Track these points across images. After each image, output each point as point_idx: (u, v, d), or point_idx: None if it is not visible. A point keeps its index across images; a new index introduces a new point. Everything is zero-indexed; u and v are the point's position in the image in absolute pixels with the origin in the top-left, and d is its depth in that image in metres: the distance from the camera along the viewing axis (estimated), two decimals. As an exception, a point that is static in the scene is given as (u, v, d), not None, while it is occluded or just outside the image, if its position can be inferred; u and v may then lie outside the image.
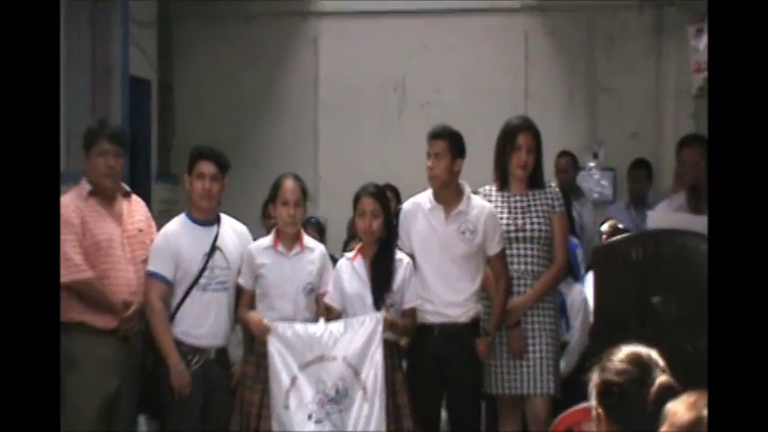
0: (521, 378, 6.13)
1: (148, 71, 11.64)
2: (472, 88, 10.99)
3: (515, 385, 6.15)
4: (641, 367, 2.87)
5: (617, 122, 11.37)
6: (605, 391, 2.87)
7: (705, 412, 2.30)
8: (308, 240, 6.06)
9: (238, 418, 5.84)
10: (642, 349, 2.93)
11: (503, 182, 6.28)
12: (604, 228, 6.84)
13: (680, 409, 2.36)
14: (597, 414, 2.89)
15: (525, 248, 6.18)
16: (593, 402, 2.91)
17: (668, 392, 2.68)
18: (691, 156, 6.47)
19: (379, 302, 5.79)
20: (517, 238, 6.18)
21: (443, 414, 6.22)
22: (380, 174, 6.19)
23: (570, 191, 8.42)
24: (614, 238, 6.17)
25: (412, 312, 5.92)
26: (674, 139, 11.32)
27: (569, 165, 9.72)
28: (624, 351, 2.92)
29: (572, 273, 6.82)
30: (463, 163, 6.07)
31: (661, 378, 2.80)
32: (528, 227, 6.18)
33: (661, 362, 2.89)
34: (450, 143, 5.98)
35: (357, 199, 5.93)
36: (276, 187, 5.99)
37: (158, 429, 6.51)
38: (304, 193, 6.03)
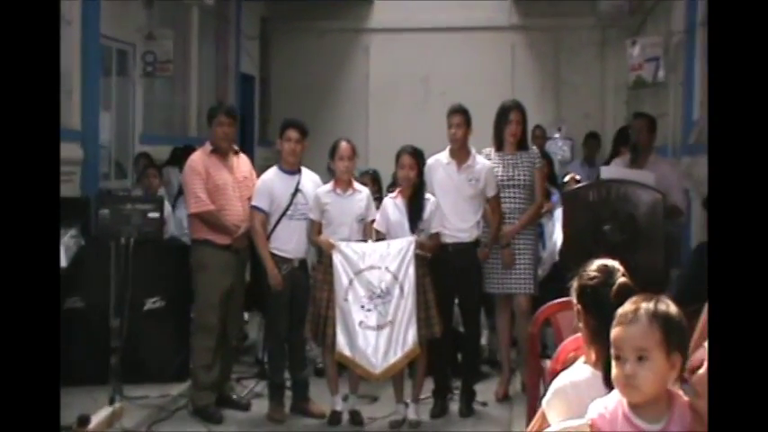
0: (510, 282, 5.99)
1: (253, 70, 11.66)
2: (475, 82, 10.85)
3: (507, 287, 6.01)
4: (607, 273, 2.70)
5: (574, 106, 11.25)
6: (582, 292, 2.70)
7: (643, 305, 2.13)
8: (357, 185, 5.87)
9: (312, 308, 5.70)
10: (608, 261, 2.76)
11: (499, 145, 6.09)
12: (566, 179, 6.69)
13: (626, 305, 2.19)
14: (577, 310, 2.72)
15: (515, 193, 6.01)
16: (573, 301, 2.72)
17: (626, 291, 2.51)
18: (637, 124, 6.51)
19: (413, 228, 5.62)
20: (509, 185, 6.01)
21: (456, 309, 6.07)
22: (411, 140, 5.97)
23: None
24: (577, 186, 6.02)
25: (436, 236, 5.73)
26: (613, 118, 11.27)
27: (542, 134, 9.56)
28: (595, 263, 2.75)
29: (550, 210, 6.68)
30: (470, 131, 5.89)
31: (620, 280, 2.63)
32: (516, 177, 6.01)
33: (621, 269, 2.71)
34: (464, 117, 5.86)
35: (399, 156, 5.74)
36: (334, 147, 5.80)
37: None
38: (354, 151, 5.83)
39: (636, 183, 5.56)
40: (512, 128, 6.01)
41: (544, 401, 2.64)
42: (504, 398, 6.09)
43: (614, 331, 2.15)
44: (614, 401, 2.10)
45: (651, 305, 2.14)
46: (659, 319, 2.10)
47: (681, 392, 2.09)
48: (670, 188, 5.88)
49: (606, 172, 6.12)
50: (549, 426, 2.51)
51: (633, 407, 2.09)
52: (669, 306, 2.14)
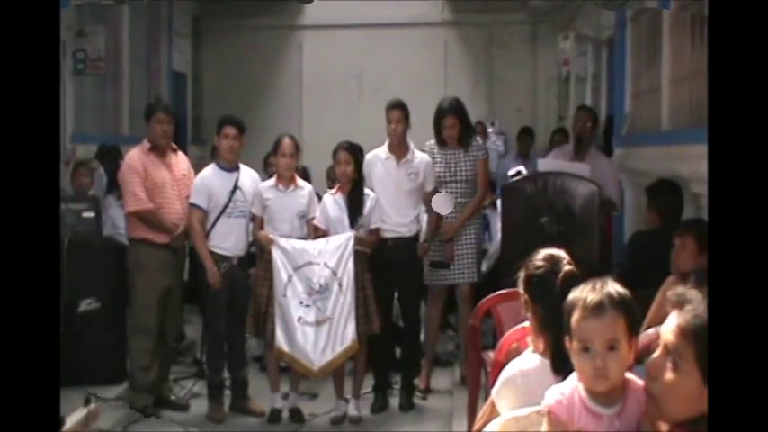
0: (451, 273, 6.02)
1: (185, 67, 11.52)
2: (408, 77, 10.84)
3: (448, 278, 6.04)
4: (553, 262, 2.72)
5: (507, 101, 11.35)
6: (529, 282, 2.72)
7: (605, 290, 2.11)
8: (299, 181, 5.83)
9: (253, 305, 5.66)
10: (554, 250, 2.78)
11: (440, 141, 6.08)
12: (511, 172, 6.72)
13: (586, 294, 2.14)
14: (524, 300, 2.74)
15: (456, 188, 6.01)
16: (521, 291, 2.74)
17: (572, 278, 2.54)
18: (580, 116, 6.63)
19: (352, 224, 5.61)
20: (451, 181, 6.01)
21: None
22: (345, 137, 5.95)
23: None
24: (515, 178, 6.07)
25: (376, 231, 5.74)
26: (545, 113, 11.42)
27: (483, 129, 9.65)
28: (541, 252, 2.77)
29: (494, 203, 6.72)
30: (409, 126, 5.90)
31: (566, 268, 2.66)
32: (458, 173, 6.02)
33: (566, 257, 2.73)
34: (404, 112, 5.86)
35: (335, 152, 5.73)
36: (277, 143, 5.76)
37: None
38: (297, 148, 5.80)
39: (572, 175, 5.63)
40: (446, 132, 6.02)
41: (494, 391, 2.66)
42: (427, 390, 6.10)
43: (581, 323, 2.11)
44: (570, 388, 2.11)
45: (612, 292, 2.13)
46: (624, 305, 2.11)
47: (633, 376, 2.12)
48: (606, 181, 5.97)
49: (543, 164, 6.18)
50: (498, 415, 2.53)
51: (590, 392, 2.11)
52: (623, 288, 2.16)
